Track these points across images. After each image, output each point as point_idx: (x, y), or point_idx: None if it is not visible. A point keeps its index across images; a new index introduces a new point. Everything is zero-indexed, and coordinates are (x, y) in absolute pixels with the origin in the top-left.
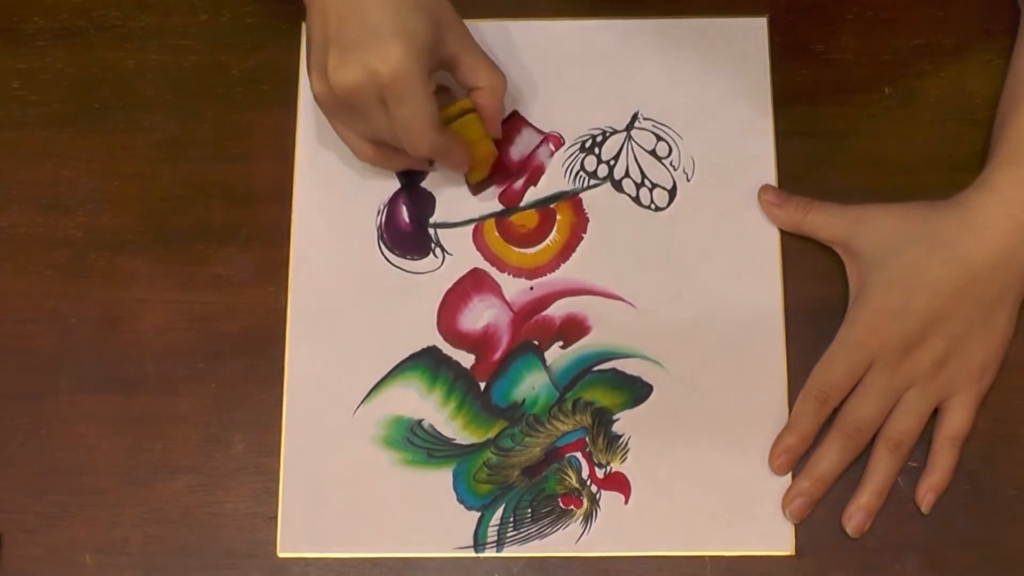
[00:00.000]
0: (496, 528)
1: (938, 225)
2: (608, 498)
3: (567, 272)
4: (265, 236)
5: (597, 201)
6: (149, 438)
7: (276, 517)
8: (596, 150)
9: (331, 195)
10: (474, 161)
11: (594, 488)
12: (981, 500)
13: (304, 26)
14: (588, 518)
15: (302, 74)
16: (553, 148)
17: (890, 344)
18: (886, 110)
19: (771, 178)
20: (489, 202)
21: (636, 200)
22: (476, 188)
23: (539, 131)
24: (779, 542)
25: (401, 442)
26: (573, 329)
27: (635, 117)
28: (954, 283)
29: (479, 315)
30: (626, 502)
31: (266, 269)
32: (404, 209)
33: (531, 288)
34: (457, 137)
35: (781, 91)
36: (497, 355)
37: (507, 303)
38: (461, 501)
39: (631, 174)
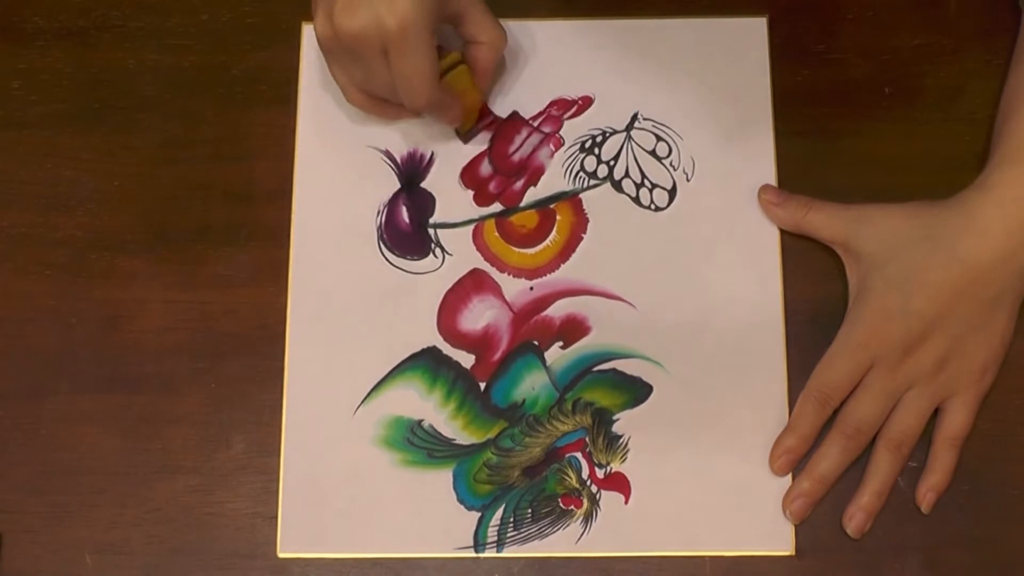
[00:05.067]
0: (496, 528)
1: (938, 225)
2: (608, 498)
3: (567, 272)
4: (265, 236)
5: (597, 201)
6: (149, 438)
7: (276, 517)
8: (596, 150)
9: (331, 195)
10: (463, 112)
11: (594, 488)
12: (981, 500)
13: (304, 26)
14: (588, 518)
15: (302, 74)
16: (553, 148)
17: (890, 344)
18: (886, 110)
19: (771, 178)
20: (489, 203)
21: (636, 200)
22: (466, 137)
23: (539, 131)
24: (779, 542)
25: (401, 442)
26: (573, 329)
27: (635, 117)
28: (954, 283)
29: (479, 315)
30: (626, 502)
31: (266, 269)
32: (404, 209)
33: (531, 288)
34: (451, 92)
35: (781, 91)
36: (497, 355)
37: (507, 303)
38: (461, 501)
39: (631, 174)
